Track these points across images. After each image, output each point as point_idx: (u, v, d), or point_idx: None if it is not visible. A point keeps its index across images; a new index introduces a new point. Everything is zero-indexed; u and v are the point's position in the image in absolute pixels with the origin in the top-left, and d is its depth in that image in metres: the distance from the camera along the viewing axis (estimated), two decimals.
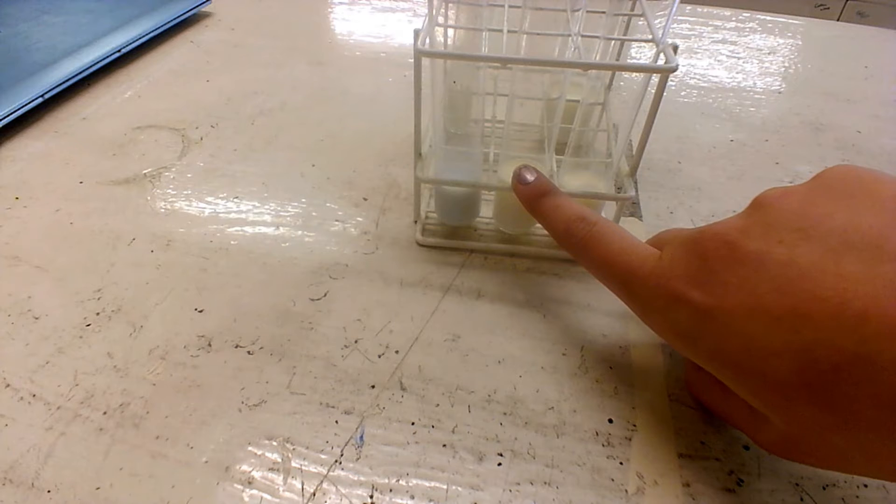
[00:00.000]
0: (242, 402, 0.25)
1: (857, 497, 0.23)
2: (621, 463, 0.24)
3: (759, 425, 0.21)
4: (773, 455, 0.22)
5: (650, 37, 0.28)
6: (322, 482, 0.23)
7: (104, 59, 0.48)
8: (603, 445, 0.24)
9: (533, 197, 0.28)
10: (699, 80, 0.52)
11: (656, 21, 0.29)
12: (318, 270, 0.32)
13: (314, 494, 0.22)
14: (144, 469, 0.23)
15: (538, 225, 0.33)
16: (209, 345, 0.28)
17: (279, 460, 0.23)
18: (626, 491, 0.23)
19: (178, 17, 0.56)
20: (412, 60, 0.27)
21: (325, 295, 0.30)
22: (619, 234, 0.24)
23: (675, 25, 0.61)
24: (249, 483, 0.23)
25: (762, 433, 0.21)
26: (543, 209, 0.27)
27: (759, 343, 0.18)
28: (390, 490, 0.22)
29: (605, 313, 0.30)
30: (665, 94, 0.27)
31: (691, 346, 0.21)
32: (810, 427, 0.18)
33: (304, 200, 0.36)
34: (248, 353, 0.27)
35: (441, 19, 0.30)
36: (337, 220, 0.35)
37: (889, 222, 0.17)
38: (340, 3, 0.65)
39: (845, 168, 0.20)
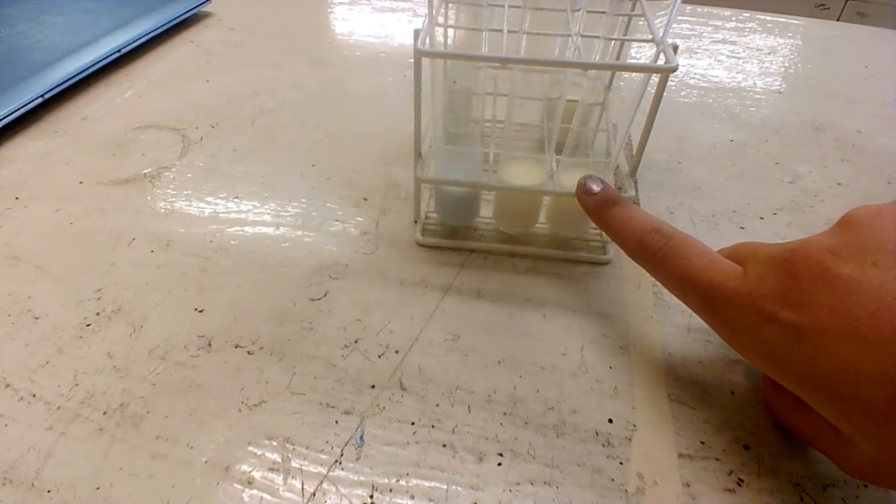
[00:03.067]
0: (242, 402, 0.25)
1: (857, 497, 0.23)
2: (621, 463, 0.24)
3: (845, 450, 0.20)
4: (860, 480, 0.21)
5: (650, 37, 0.28)
6: (322, 482, 0.23)
7: (104, 59, 0.48)
8: (603, 445, 0.24)
9: (601, 207, 0.27)
10: (699, 80, 0.52)
11: (656, 21, 0.29)
12: (318, 270, 0.32)
13: (314, 494, 0.22)
14: (144, 469, 0.23)
15: (538, 225, 0.33)
16: (209, 345, 0.28)
17: (279, 460, 0.23)
18: (626, 491, 0.23)
19: (178, 17, 0.56)
20: (412, 60, 0.27)
21: (325, 295, 0.30)
22: (698, 248, 0.24)
23: (675, 25, 0.61)
24: (249, 483, 0.23)
25: (849, 459, 0.20)
26: (613, 220, 0.27)
27: (854, 367, 0.18)
28: (390, 490, 0.22)
29: (605, 313, 0.30)
30: (665, 94, 0.27)
31: (780, 367, 0.20)
32: None
33: (304, 200, 0.36)
34: (248, 353, 0.27)
35: (441, 19, 0.30)
36: (337, 220, 0.35)
37: None
38: (340, 3, 0.65)
39: None
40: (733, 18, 0.64)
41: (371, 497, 0.22)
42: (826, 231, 0.21)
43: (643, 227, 0.25)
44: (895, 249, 0.18)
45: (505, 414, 0.25)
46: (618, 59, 0.31)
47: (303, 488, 0.22)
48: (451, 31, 0.30)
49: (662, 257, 0.24)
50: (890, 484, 0.20)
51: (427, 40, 0.28)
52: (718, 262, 0.23)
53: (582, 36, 0.29)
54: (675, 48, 0.26)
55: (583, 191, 0.28)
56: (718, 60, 0.55)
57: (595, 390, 0.26)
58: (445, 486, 0.23)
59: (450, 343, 0.28)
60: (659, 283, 0.26)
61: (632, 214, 0.26)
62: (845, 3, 1.49)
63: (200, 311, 0.29)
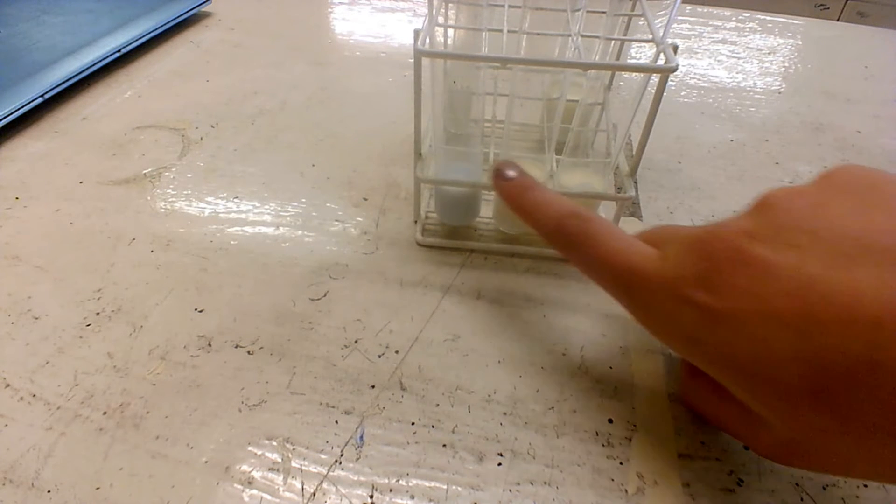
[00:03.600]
0: (242, 402, 0.25)
1: (858, 497, 0.23)
2: (621, 463, 0.24)
3: (756, 431, 0.20)
4: (773, 461, 0.22)
5: (650, 37, 0.28)
6: (322, 482, 0.23)
7: (104, 59, 0.48)
8: (603, 445, 0.24)
9: (517, 193, 0.27)
10: (699, 80, 0.52)
11: (656, 21, 0.29)
12: (318, 270, 0.32)
13: (314, 494, 0.22)
14: (144, 469, 0.23)
15: None
16: (209, 345, 0.28)
17: (279, 460, 0.23)
18: (626, 491, 0.23)
19: (178, 17, 0.56)
20: (412, 60, 0.27)
21: (325, 295, 0.30)
22: (616, 232, 0.24)
23: (675, 25, 0.61)
24: (249, 483, 0.23)
25: (761, 440, 0.20)
26: (529, 205, 0.26)
27: (769, 348, 0.18)
28: (390, 490, 0.22)
29: (605, 313, 0.30)
30: (665, 94, 0.27)
31: (696, 349, 0.20)
32: (814, 432, 0.18)
33: (304, 200, 0.36)
34: (248, 353, 0.27)
35: (441, 19, 0.30)
36: (337, 220, 0.35)
37: None
38: (340, 3, 0.65)
39: (853, 168, 0.20)
40: (733, 18, 0.64)
41: (371, 497, 0.22)
42: (743, 213, 0.21)
43: (560, 211, 0.25)
44: (810, 230, 0.18)
45: (505, 414, 0.25)
46: (618, 59, 0.31)
47: (303, 488, 0.22)
48: (451, 31, 0.30)
49: (580, 241, 0.24)
50: (800, 463, 0.20)
51: (427, 40, 0.28)
52: (636, 246, 0.23)
53: (582, 36, 0.29)
54: (675, 48, 0.26)
55: (498, 176, 0.28)
56: (718, 60, 0.55)
57: (595, 390, 0.26)
58: (445, 486, 0.23)
59: (450, 343, 0.28)
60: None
61: (548, 199, 0.26)
62: (845, 3, 1.49)
63: (200, 311, 0.29)
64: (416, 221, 0.34)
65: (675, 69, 0.25)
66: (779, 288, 0.18)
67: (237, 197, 0.37)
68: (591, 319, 0.29)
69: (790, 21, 0.64)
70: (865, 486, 0.23)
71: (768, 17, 0.64)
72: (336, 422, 0.25)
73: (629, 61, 0.44)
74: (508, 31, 0.29)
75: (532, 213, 0.26)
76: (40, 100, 0.42)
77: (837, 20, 1.48)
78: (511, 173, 0.27)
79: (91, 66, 0.47)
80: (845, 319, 0.16)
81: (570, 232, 0.24)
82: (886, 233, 0.17)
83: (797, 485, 0.23)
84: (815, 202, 0.19)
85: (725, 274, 0.19)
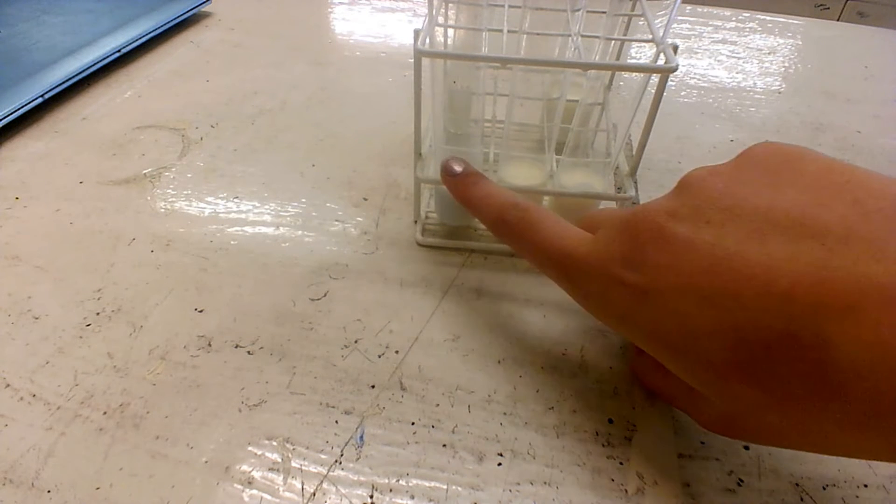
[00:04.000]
0: (242, 402, 0.25)
1: (857, 497, 0.23)
2: (621, 463, 0.24)
3: (699, 405, 0.21)
4: (712, 433, 0.22)
5: (650, 37, 0.28)
6: (322, 482, 0.23)
7: (104, 59, 0.48)
8: (603, 445, 0.24)
9: (463, 187, 0.28)
10: (699, 80, 0.52)
11: (656, 21, 0.29)
12: (318, 270, 0.32)
13: (314, 494, 0.22)
14: (144, 469, 0.23)
15: None
16: (209, 345, 0.28)
17: (279, 460, 0.23)
18: (626, 491, 0.23)
19: (178, 17, 0.56)
20: (412, 60, 0.27)
21: (325, 295, 0.30)
22: (552, 219, 0.24)
23: (675, 25, 0.61)
24: (249, 483, 0.23)
25: (702, 413, 0.21)
26: (475, 199, 0.27)
27: (692, 323, 0.18)
28: (390, 490, 0.22)
29: None
30: (665, 94, 0.27)
31: (629, 327, 0.21)
32: (746, 405, 0.18)
33: (304, 200, 0.36)
34: (248, 353, 0.27)
35: (441, 19, 0.30)
36: (337, 220, 0.35)
37: (812, 200, 0.18)
38: (340, 3, 0.65)
39: (770, 145, 0.20)
40: (733, 18, 0.64)
41: (371, 497, 0.22)
42: (665, 194, 0.21)
43: (501, 202, 0.26)
44: (727, 207, 0.19)
45: (505, 414, 0.25)
46: (618, 59, 0.31)
47: (303, 488, 0.22)
48: (451, 31, 0.30)
49: (521, 231, 0.25)
50: (740, 435, 0.20)
51: (427, 40, 0.28)
52: (571, 231, 0.24)
53: (582, 36, 0.29)
54: (675, 48, 0.26)
55: (446, 172, 0.28)
56: (718, 60, 0.55)
57: (595, 390, 0.26)
58: (445, 486, 0.23)
59: (450, 343, 0.28)
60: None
61: (490, 192, 0.27)
62: (845, 3, 1.49)
63: (200, 311, 0.29)
64: (416, 221, 0.34)
65: (675, 69, 0.26)
66: (698, 264, 0.18)
67: (237, 197, 0.37)
68: (591, 319, 0.29)
69: (790, 21, 0.64)
70: (865, 486, 0.23)
71: (768, 17, 0.64)
72: (336, 422, 0.25)
73: (629, 61, 0.45)
74: (508, 31, 0.29)
75: (477, 206, 0.27)
76: (40, 100, 0.42)
77: (837, 20, 1.48)
78: (458, 168, 0.28)
79: (91, 66, 0.47)
80: (760, 293, 0.17)
81: (511, 222, 0.25)
82: (796, 207, 0.18)
83: (797, 485, 0.23)
84: (731, 179, 0.20)
85: (649, 252, 0.20)
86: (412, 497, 0.22)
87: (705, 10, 0.65)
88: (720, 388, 0.19)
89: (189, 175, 0.38)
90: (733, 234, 0.18)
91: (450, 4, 0.30)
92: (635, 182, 0.33)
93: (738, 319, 0.17)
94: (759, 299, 0.17)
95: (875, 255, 0.16)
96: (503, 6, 0.31)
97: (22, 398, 0.25)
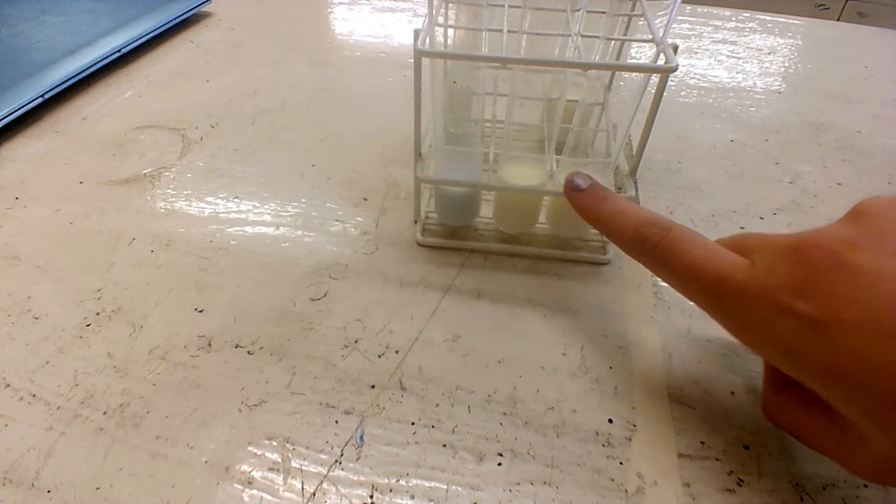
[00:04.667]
0: (242, 402, 0.25)
1: (857, 497, 0.23)
2: (621, 463, 0.24)
3: (852, 448, 0.20)
4: (869, 481, 0.21)
5: (650, 37, 0.28)
6: (322, 482, 0.23)
7: (104, 59, 0.48)
8: (603, 445, 0.24)
9: (592, 203, 0.27)
10: (699, 80, 0.52)
11: (656, 21, 0.29)
12: (318, 270, 0.32)
13: (314, 494, 0.22)
14: (144, 469, 0.23)
15: (538, 225, 0.33)
16: (209, 345, 0.28)
17: (279, 460, 0.23)
18: (626, 491, 0.23)
19: (178, 17, 0.56)
20: (412, 60, 0.27)
21: (325, 295, 0.30)
22: (699, 240, 0.23)
23: (675, 25, 0.61)
24: (249, 483, 0.23)
25: (857, 457, 0.20)
26: (605, 215, 0.26)
27: (875, 359, 0.17)
28: (390, 490, 0.22)
29: (604, 313, 0.30)
30: (665, 94, 0.27)
31: (797, 361, 0.19)
32: None
33: (304, 200, 0.36)
34: (248, 353, 0.27)
35: (441, 19, 0.30)
36: (337, 220, 0.35)
37: None
38: (340, 3, 0.65)
39: None
40: (733, 18, 0.64)
41: (371, 497, 0.22)
42: (837, 221, 0.20)
43: (638, 220, 0.25)
44: None
45: (505, 414, 0.25)
46: (618, 59, 0.31)
47: (303, 488, 0.22)
48: (451, 31, 0.30)
49: (662, 250, 0.23)
50: None
51: (427, 40, 0.28)
52: (723, 254, 0.22)
53: (582, 36, 0.29)
54: (675, 48, 0.26)
55: (571, 188, 0.28)
56: (718, 60, 0.55)
57: (595, 390, 0.26)
58: (445, 486, 0.23)
59: (450, 343, 0.28)
60: (660, 282, 0.26)
61: (624, 209, 0.26)
62: (845, 3, 1.49)
63: (200, 311, 0.29)
64: (416, 221, 0.34)
65: (675, 69, 0.25)
66: (885, 298, 0.17)
67: (237, 197, 0.37)
68: (591, 319, 0.29)
69: (790, 21, 0.64)
70: (865, 486, 0.23)
71: (768, 17, 0.64)
72: (336, 422, 0.25)
73: (629, 61, 0.45)
74: (508, 31, 0.29)
75: (609, 223, 0.26)
76: (40, 100, 0.42)
77: (837, 20, 1.48)
78: (583, 184, 0.27)
79: (91, 66, 0.47)
80: None
81: (651, 241, 0.24)
82: None
83: (797, 485, 0.23)
84: None
85: (826, 282, 0.19)
86: (412, 497, 0.22)
87: (705, 10, 0.65)
88: None
89: (189, 175, 0.38)
90: None
91: (450, 4, 0.30)
92: (635, 182, 0.33)
93: None
94: None
95: None
96: (503, 6, 0.31)
97: (22, 398, 0.25)
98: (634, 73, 0.48)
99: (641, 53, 0.53)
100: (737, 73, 0.53)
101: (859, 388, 0.18)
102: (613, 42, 0.30)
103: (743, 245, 0.23)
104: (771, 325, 0.20)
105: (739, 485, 0.23)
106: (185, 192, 0.37)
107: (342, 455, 0.24)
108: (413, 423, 0.25)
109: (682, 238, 0.23)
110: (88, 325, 0.28)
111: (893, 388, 0.17)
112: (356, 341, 0.28)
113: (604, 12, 0.29)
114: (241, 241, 0.33)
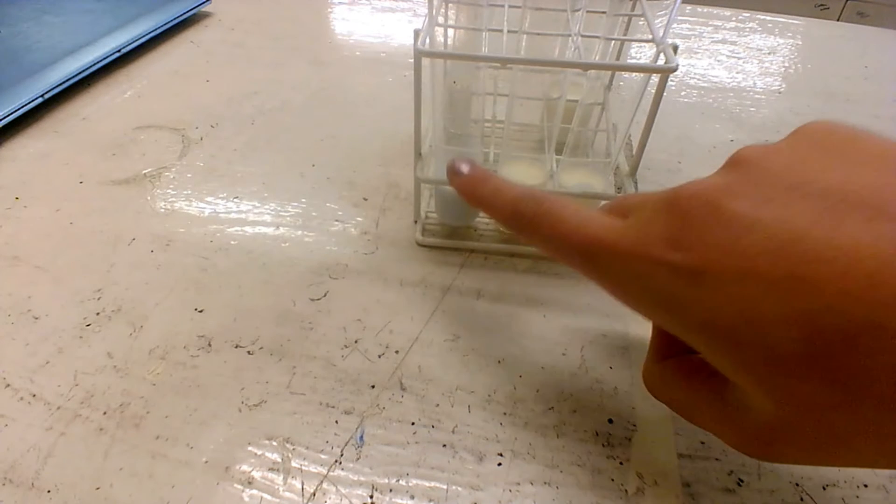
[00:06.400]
0: (242, 402, 0.25)
1: (857, 497, 0.23)
2: (621, 463, 0.24)
3: (731, 419, 0.19)
4: (750, 455, 0.20)
5: (650, 37, 0.28)
6: (322, 482, 0.23)
7: (104, 59, 0.48)
8: (603, 445, 0.24)
9: (472, 186, 0.26)
10: (699, 80, 0.52)
11: (656, 21, 0.29)
12: (318, 270, 0.32)
13: (314, 494, 0.22)
14: (144, 469, 0.23)
15: None
16: (209, 345, 0.28)
17: (279, 460, 0.23)
18: (626, 491, 0.23)
19: (178, 17, 0.56)
20: (412, 60, 0.27)
21: (325, 295, 0.30)
22: (572, 206, 0.22)
23: (675, 25, 0.61)
24: (249, 483, 0.23)
25: (735, 428, 0.19)
26: (485, 196, 0.26)
27: (753, 309, 0.16)
28: (390, 490, 0.22)
29: (605, 313, 0.30)
30: (665, 94, 0.27)
31: (676, 314, 0.19)
32: (810, 407, 0.16)
33: (304, 200, 0.36)
34: (248, 353, 0.27)
35: (441, 19, 0.30)
36: (337, 220, 0.35)
37: (889, 181, 0.16)
38: (340, 3, 0.65)
39: (827, 124, 0.19)
40: (733, 18, 0.64)
41: (371, 497, 0.22)
42: (714, 173, 0.20)
43: (515, 195, 0.24)
44: (792, 185, 0.17)
45: (505, 414, 0.25)
46: (618, 59, 0.31)
47: (303, 488, 0.22)
48: (451, 31, 0.30)
49: (538, 223, 0.23)
50: (781, 452, 0.18)
51: (427, 40, 0.28)
52: (596, 218, 0.21)
53: (582, 36, 0.29)
54: (675, 48, 0.26)
55: (452, 172, 0.27)
56: (718, 60, 0.55)
57: (595, 390, 0.26)
58: (445, 486, 0.23)
59: (450, 343, 0.28)
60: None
61: (500, 187, 0.25)
62: (845, 3, 1.49)
63: (200, 311, 0.29)
64: (416, 221, 0.34)
65: (675, 69, 0.26)
66: (761, 245, 0.16)
67: (237, 197, 0.37)
68: (591, 319, 0.29)
69: (790, 21, 0.64)
70: (865, 486, 0.23)
71: (768, 17, 0.64)
72: (336, 422, 0.25)
73: (629, 61, 0.45)
74: (508, 31, 0.29)
75: (488, 203, 0.26)
76: (40, 100, 0.42)
77: (837, 20, 1.48)
78: (465, 168, 0.27)
79: (91, 66, 0.47)
80: (839, 278, 0.15)
81: (527, 214, 0.23)
82: (871, 188, 0.16)
83: (797, 485, 0.23)
84: (792, 157, 0.18)
85: (701, 231, 0.18)
86: (412, 497, 0.22)
87: (705, 10, 0.65)
88: (783, 385, 0.17)
89: (189, 175, 0.38)
90: (802, 215, 0.16)
91: (450, 4, 0.30)
92: (635, 182, 0.33)
93: (813, 306, 0.15)
94: (837, 285, 0.15)
95: None
96: (503, 6, 0.31)
97: (22, 398, 0.25)
98: (634, 73, 0.48)
99: (641, 53, 0.53)
100: (737, 73, 0.53)
101: (740, 341, 0.17)
102: (613, 42, 0.30)
103: (622, 207, 0.22)
104: (647, 280, 0.19)
105: (739, 485, 0.23)
106: (185, 192, 0.37)
107: (342, 455, 0.24)
108: (413, 423, 0.25)
109: (554, 207, 0.22)
110: (88, 325, 0.28)
111: (771, 342, 0.16)
112: (356, 341, 0.28)
113: (604, 12, 0.29)
114: (241, 241, 0.33)
